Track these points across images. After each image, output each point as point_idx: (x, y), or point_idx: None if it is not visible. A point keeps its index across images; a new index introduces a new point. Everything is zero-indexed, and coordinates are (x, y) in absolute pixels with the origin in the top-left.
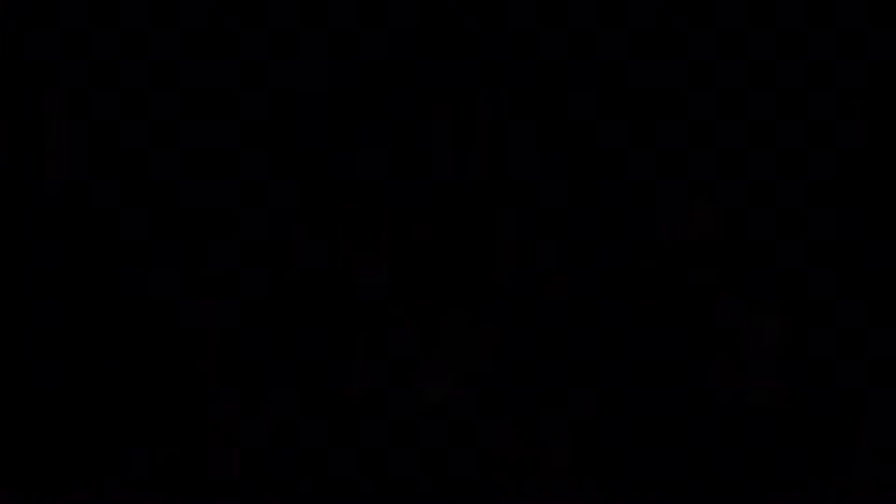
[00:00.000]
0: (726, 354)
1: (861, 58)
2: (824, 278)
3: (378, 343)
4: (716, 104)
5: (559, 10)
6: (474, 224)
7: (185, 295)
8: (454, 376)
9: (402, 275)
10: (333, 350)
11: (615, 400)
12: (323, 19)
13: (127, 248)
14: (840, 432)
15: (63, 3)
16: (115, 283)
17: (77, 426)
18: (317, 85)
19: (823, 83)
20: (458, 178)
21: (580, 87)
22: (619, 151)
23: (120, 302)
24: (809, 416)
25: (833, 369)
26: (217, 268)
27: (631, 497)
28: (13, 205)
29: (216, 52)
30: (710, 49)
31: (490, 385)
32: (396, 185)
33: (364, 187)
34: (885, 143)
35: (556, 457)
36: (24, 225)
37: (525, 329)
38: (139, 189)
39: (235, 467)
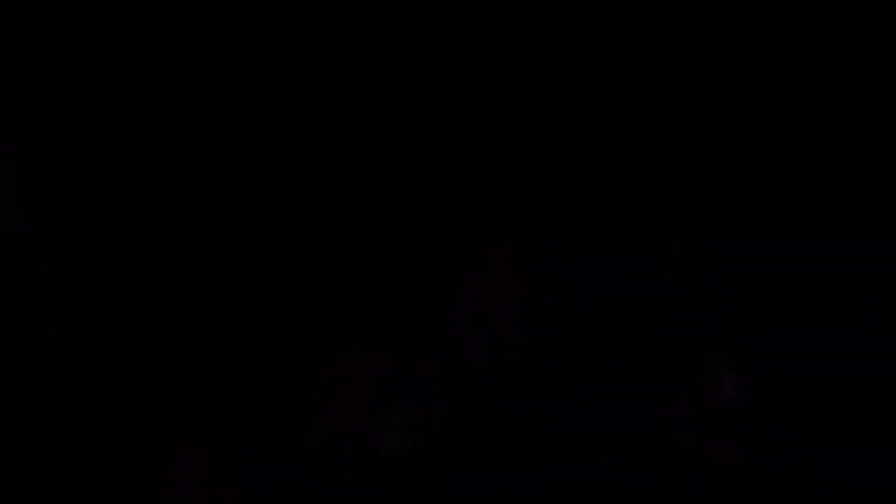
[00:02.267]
0: (683, 407)
1: None
2: (782, 331)
3: (334, 393)
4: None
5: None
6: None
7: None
8: (412, 428)
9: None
10: (284, 400)
11: (573, 453)
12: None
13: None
14: (800, 487)
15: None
16: None
17: None
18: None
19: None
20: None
21: None
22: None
23: None
24: (767, 470)
25: (792, 422)
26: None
27: None
28: None
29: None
30: None
31: (448, 437)
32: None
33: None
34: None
35: None
36: None
37: (486, 380)
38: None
39: None
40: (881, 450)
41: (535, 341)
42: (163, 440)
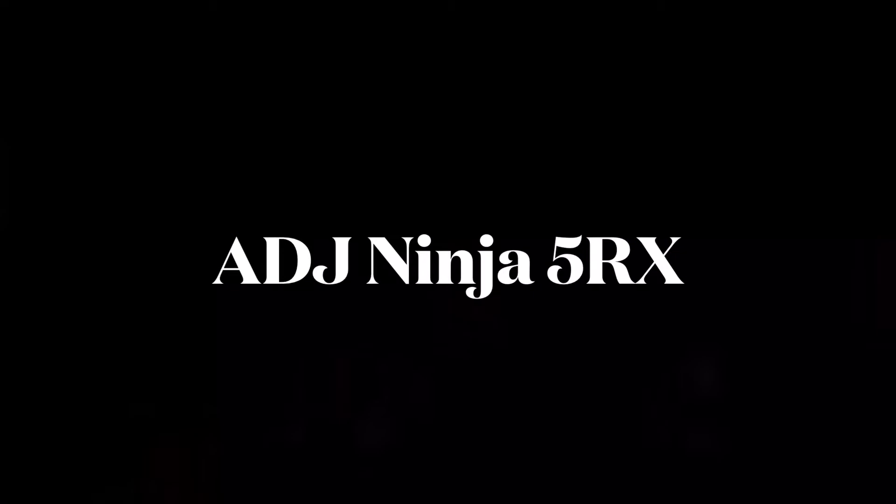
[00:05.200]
0: (663, 398)
1: None
2: (760, 320)
3: (316, 388)
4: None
5: None
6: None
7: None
8: (393, 422)
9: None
10: (269, 396)
11: (554, 446)
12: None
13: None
14: (779, 477)
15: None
16: None
17: None
18: None
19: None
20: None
21: None
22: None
23: None
24: (748, 461)
25: (770, 413)
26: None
27: None
28: None
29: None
30: None
31: (429, 431)
32: None
33: None
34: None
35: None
36: None
37: (464, 375)
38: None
39: None
40: (860, 442)
41: (517, 336)
42: (139, 431)
